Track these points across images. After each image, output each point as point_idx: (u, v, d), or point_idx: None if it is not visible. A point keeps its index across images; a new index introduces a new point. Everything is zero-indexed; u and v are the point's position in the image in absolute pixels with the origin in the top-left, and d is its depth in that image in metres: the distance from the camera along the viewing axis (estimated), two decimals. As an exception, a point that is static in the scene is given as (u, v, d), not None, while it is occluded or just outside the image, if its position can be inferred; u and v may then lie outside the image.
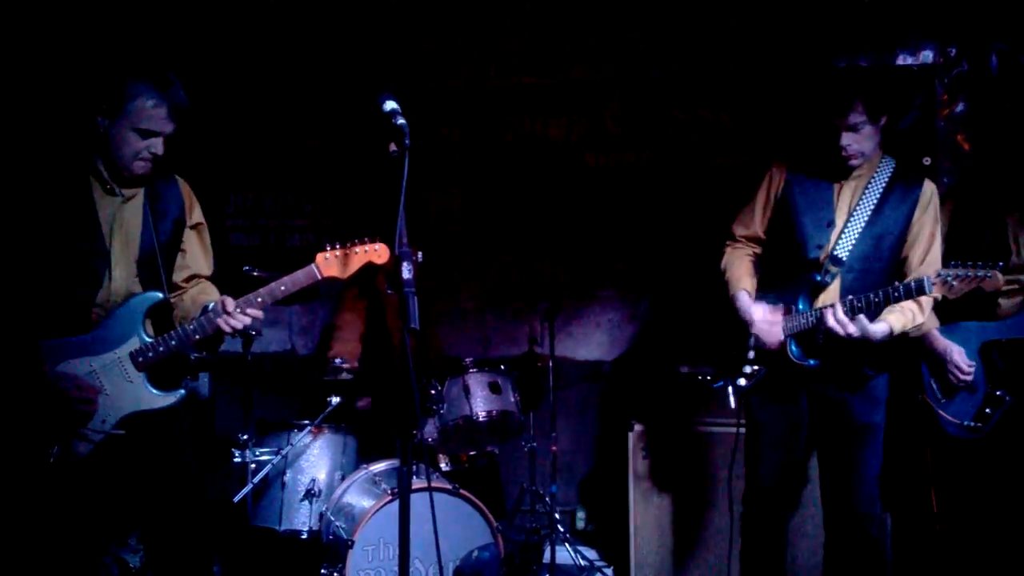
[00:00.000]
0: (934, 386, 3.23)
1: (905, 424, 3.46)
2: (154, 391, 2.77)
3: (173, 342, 2.75)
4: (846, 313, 2.87)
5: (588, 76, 4.57)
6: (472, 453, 3.90)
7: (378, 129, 2.39)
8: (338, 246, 2.81)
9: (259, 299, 2.79)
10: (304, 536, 3.65)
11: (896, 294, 2.82)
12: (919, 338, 3.21)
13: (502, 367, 3.91)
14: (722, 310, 3.22)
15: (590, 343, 4.60)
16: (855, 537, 3.07)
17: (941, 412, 3.19)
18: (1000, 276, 2.71)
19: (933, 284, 2.76)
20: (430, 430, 3.76)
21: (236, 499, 3.51)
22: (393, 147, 2.34)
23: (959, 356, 3.13)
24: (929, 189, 3.05)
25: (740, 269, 3.21)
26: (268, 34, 4.71)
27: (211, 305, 2.78)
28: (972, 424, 3.14)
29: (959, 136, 4.23)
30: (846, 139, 2.95)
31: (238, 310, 2.75)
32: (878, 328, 2.89)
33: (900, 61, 4.27)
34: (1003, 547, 3.22)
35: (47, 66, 4.43)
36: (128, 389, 2.74)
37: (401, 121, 2.34)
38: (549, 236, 4.65)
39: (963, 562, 3.42)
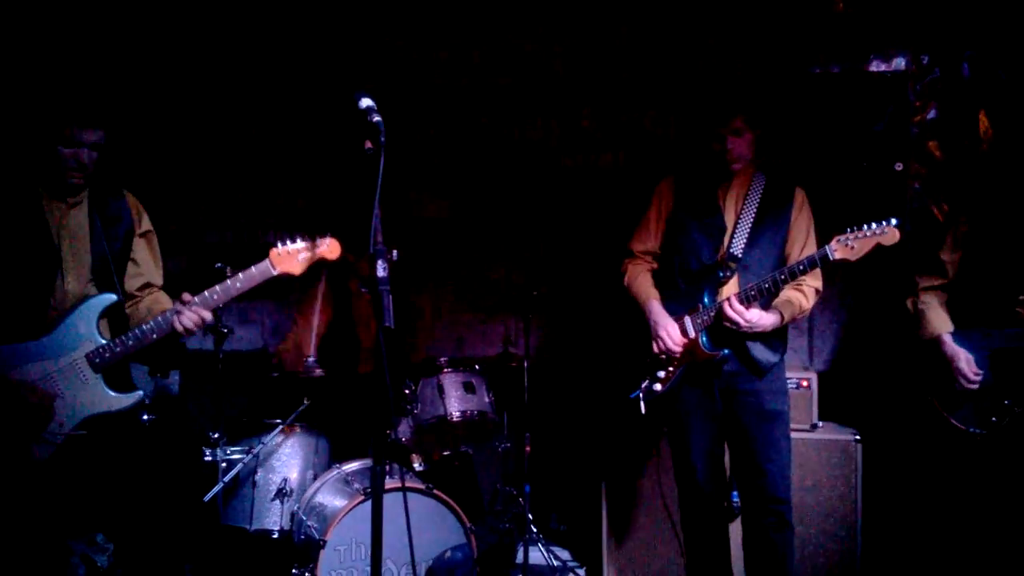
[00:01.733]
0: (943, 390, 3.23)
1: (913, 427, 3.53)
2: (111, 392, 2.77)
3: (130, 342, 2.76)
4: (742, 302, 3.11)
5: (564, 77, 4.58)
6: (446, 453, 3.89)
7: (354, 126, 2.38)
8: (289, 242, 2.87)
9: (214, 296, 2.81)
10: (275, 536, 3.62)
11: (801, 267, 3.07)
12: (933, 341, 3.24)
13: (476, 367, 3.90)
14: (633, 322, 3.41)
15: (565, 343, 4.61)
16: (773, 523, 3.22)
17: (948, 416, 3.21)
18: (896, 231, 2.93)
19: (834, 250, 3.00)
20: (404, 430, 3.75)
21: (206, 498, 3.48)
22: (368, 145, 2.34)
23: (965, 363, 3.16)
24: (800, 195, 3.34)
25: (645, 282, 3.44)
26: (243, 31, 4.67)
27: (168, 311, 2.80)
28: (976, 431, 3.15)
29: (931, 143, 4.28)
30: (731, 142, 3.22)
31: (188, 308, 2.77)
32: (771, 316, 3.17)
33: (873, 68, 4.32)
34: (999, 549, 3.25)
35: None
36: (85, 391, 2.73)
37: (376, 119, 2.34)
38: (525, 236, 4.65)
39: (962, 562, 3.49)
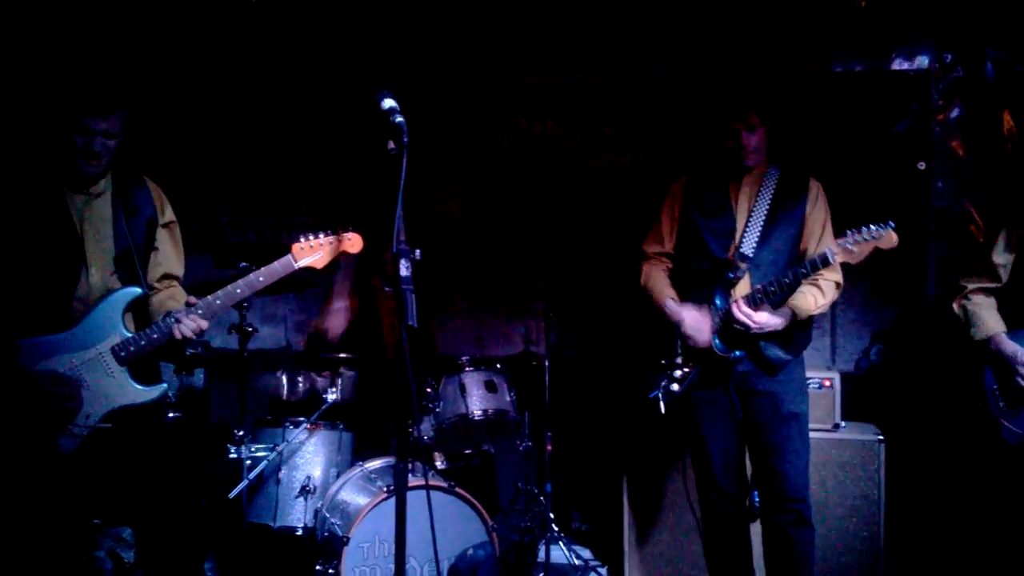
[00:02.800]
0: (997, 394, 3.16)
1: (961, 432, 3.50)
2: (137, 385, 2.79)
3: (155, 335, 2.78)
4: (749, 304, 3.09)
5: (585, 77, 4.58)
6: (468, 451, 3.90)
7: (376, 127, 2.40)
8: (311, 236, 2.89)
9: (238, 290, 2.84)
10: (299, 533, 3.65)
11: (804, 271, 3.05)
12: (983, 342, 3.19)
13: (498, 366, 3.92)
14: (649, 322, 3.40)
15: (586, 342, 4.61)
16: (791, 520, 3.20)
17: (1004, 421, 3.13)
18: (893, 234, 2.91)
19: (835, 253, 2.98)
20: (426, 428, 3.77)
21: (231, 495, 3.52)
22: (391, 145, 2.35)
23: None
24: (815, 186, 3.30)
25: (661, 282, 3.41)
26: (266, 32, 4.71)
27: (173, 312, 2.81)
28: None
29: (954, 142, 4.25)
30: (745, 138, 3.20)
31: (188, 316, 2.77)
32: (780, 315, 3.14)
33: (896, 66, 4.29)
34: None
35: (22, 74, 4.40)
36: (111, 384, 2.76)
37: (399, 119, 2.35)
38: (545, 236, 4.65)
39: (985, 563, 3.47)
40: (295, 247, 2.88)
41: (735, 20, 4.41)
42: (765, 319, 3.11)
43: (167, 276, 3.03)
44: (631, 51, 4.53)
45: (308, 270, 2.91)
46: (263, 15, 4.68)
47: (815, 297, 3.21)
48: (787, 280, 3.07)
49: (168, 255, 3.03)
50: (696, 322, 3.21)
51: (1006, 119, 4.15)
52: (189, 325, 2.77)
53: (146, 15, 4.62)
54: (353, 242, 2.92)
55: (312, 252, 2.88)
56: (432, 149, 4.70)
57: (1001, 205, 3.99)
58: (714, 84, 4.42)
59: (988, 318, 3.19)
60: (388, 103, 2.39)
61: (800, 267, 3.06)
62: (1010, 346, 3.12)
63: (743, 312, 3.09)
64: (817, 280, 3.21)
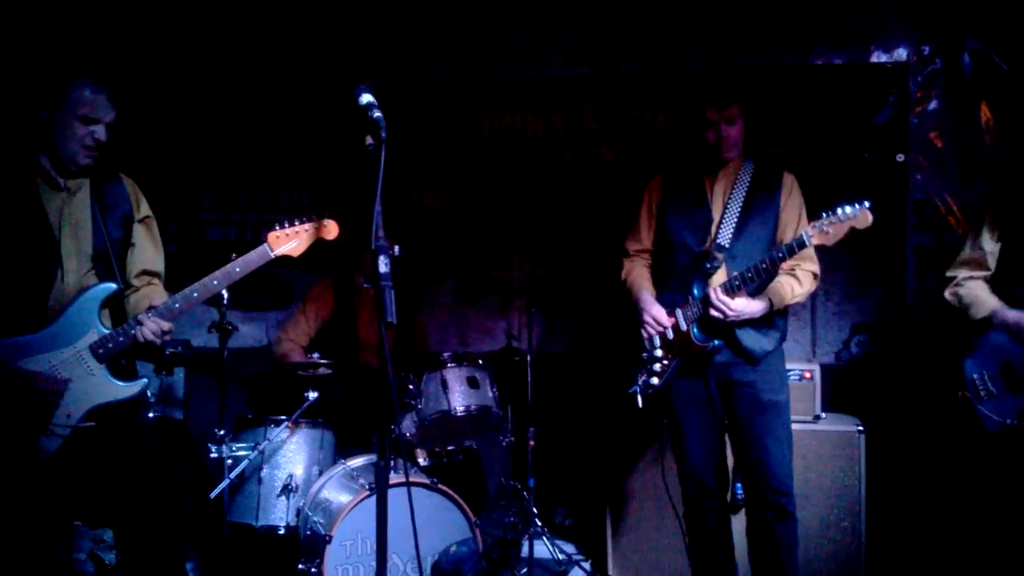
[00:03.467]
0: (987, 379, 3.11)
1: (941, 422, 3.54)
2: (117, 382, 2.76)
3: (121, 338, 2.75)
4: (727, 292, 3.10)
5: (566, 72, 4.58)
6: (450, 448, 3.90)
7: (354, 122, 2.38)
8: (287, 224, 2.85)
9: (214, 282, 2.80)
10: (281, 532, 3.64)
11: (780, 255, 3.04)
12: (986, 320, 3.13)
13: (480, 361, 3.91)
14: (630, 317, 3.41)
15: (568, 337, 4.61)
16: (774, 514, 3.20)
17: (982, 409, 3.10)
18: (869, 214, 2.91)
19: (811, 236, 2.98)
20: (408, 425, 3.76)
21: (212, 495, 3.49)
22: (369, 140, 2.33)
23: None
24: (789, 179, 3.32)
25: (640, 277, 3.45)
26: (244, 27, 4.69)
27: (132, 320, 2.78)
28: (1013, 423, 3.06)
29: (932, 133, 4.27)
30: (725, 131, 3.22)
31: (150, 319, 2.73)
32: (757, 303, 3.15)
33: (875, 58, 4.32)
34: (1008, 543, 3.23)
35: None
36: (91, 382, 2.73)
37: (377, 114, 2.33)
38: (527, 231, 4.66)
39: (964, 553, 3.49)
40: (271, 236, 2.83)
41: (716, 14, 4.42)
42: (742, 306, 3.11)
43: (146, 272, 2.98)
44: (613, 46, 4.53)
45: (285, 258, 2.86)
46: (242, 9, 4.65)
47: (792, 286, 3.22)
48: (764, 265, 3.07)
49: (146, 251, 2.98)
50: (656, 318, 3.26)
51: (984, 111, 4.18)
52: (150, 327, 2.73)
53: (123, 8, 4.58)
54: (330, 228, 2.88)
55: (288, 240, 2.84)
56: (413, 144, 4.68)
57: (982, 196, 4.02)
58: (695, 78, 4.43)
59: (986, 297, 3.17)
60: (366, 98, 2.37)
61: (776, 251, 3.06)
62: (1012, 315, 3.07)
63: (720, 300, 3.10)
64: (794, 269, 3.22)
